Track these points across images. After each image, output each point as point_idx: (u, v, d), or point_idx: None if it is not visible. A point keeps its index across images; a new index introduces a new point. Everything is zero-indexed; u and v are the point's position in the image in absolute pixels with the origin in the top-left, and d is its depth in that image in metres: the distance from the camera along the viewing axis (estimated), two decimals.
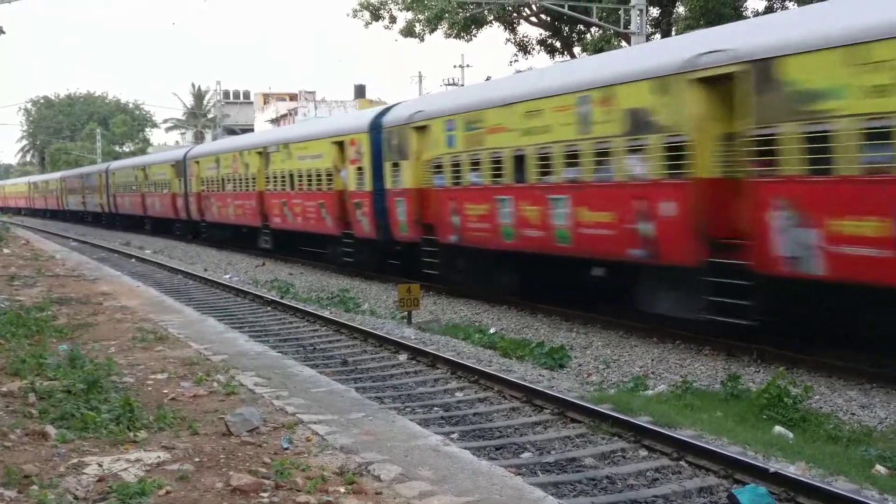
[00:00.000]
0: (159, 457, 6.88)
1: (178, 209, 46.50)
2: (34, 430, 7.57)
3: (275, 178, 32.80)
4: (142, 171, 53.92)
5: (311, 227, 30.29)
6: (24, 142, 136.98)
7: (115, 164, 65.32)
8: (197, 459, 6.89)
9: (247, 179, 35.91)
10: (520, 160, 18.42)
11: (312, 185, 29.45)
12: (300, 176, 30.34)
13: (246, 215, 36.66)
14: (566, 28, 43.31)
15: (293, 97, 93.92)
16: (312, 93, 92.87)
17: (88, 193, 68.99)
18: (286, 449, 7.19)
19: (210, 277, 27.44)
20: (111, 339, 12.81)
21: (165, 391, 9.36)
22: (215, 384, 9.65)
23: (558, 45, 44.05)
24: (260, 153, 34.47)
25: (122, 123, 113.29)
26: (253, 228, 36.54)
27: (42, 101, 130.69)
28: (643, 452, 9.38)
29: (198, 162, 43.13)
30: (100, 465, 6.61)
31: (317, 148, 29.10)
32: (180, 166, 45.74)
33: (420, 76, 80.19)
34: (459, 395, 12.23)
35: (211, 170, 40.82)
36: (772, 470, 8.21)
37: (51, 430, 7.53)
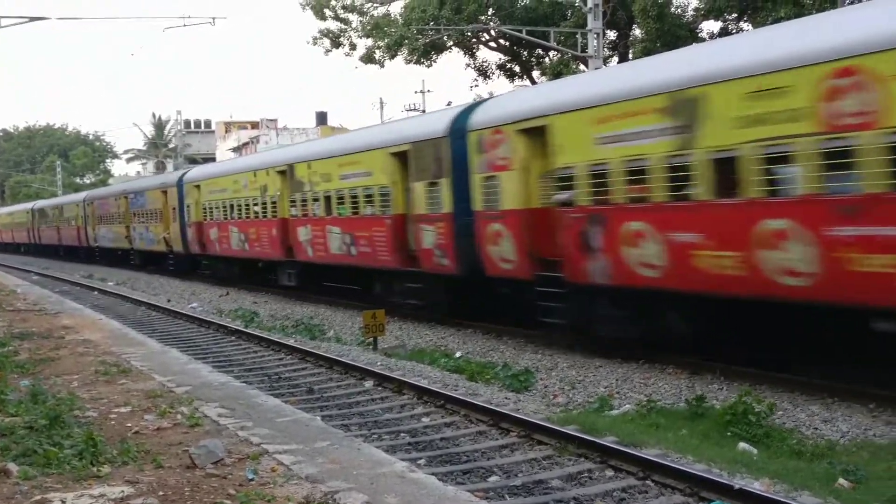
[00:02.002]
0: (123, 491, 6.81)
1: (445, 252, 20.11)
2: None
3: None
4: (281, 174, 28.45)
5: None
6: None
7: (200, 171, 39.53)
8: (161, 493, 6.83)
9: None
10: None
11: None
12: None
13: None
14: (525, 53, 43.74)
15: (255, 125, 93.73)
16: (274, 121, 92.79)
17: (139, 222, 45.20)
18: (251, 480, 7.15)
19: (174, 308, 27.24)
20: (74, 373, 12.68)
21: (129, 425, 9.27)
22: (179, 416, 9.58)
23: (517, 69, 44.45)
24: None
25: (83, 155, 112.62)
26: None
27: (1, 133, 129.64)
28: (610, 472, 9.42)
29: (507, 132, 17.85)
30: (63, 502, 6.54)
31: None
32: (440, 151, 19.99)
33: (381, 102, 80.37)
34: (426, 420, 12.22)
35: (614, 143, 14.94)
36: (737, 486, 8.28)
37: (13, 467, 7.44)
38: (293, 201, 27.60)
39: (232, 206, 33.09)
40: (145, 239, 44.22)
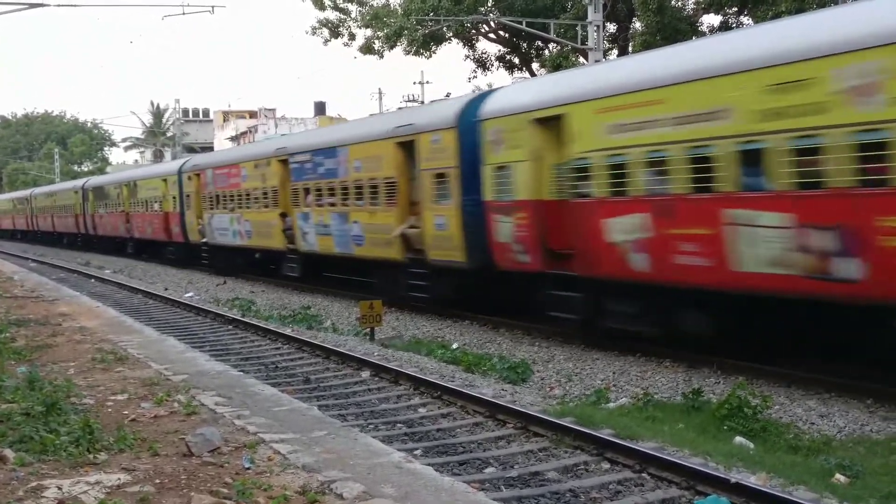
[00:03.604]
0: (119, 478, 6.81)
1: None
2: None
3: None
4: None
5: None
6: None
7: (572, 81, 17.23)
8: (158, 481, 6.82)
9: None
10: None
11: None
12: None
13: None
14: (524, 44, 43.63)
15: (253, 115, 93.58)
16: (272, 110, 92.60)
17: (321, 204, 25.48)
18: (248, 469, 7.14)
19: (170, 297, 27.20)
20: (70, 360, 12.67)
21: (125, 412, 9.26)
22: (176, 404, 9.57)
23: (517, 61, 44.37)
24: None
25: (81, 143, 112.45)
26: None
27: None
28: (606, 465, 9.42)
29: None
30: (59, 489, 6.52)
31: None
32: None
33: (380, 93, 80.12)
34: (422, 410, 12.21)
35: None
36: (733, 481, 8.28)
37: (9, 453, 7.43)
38: None
39: (760, 152, 12.07)
40: (335, 235, 24.80)
